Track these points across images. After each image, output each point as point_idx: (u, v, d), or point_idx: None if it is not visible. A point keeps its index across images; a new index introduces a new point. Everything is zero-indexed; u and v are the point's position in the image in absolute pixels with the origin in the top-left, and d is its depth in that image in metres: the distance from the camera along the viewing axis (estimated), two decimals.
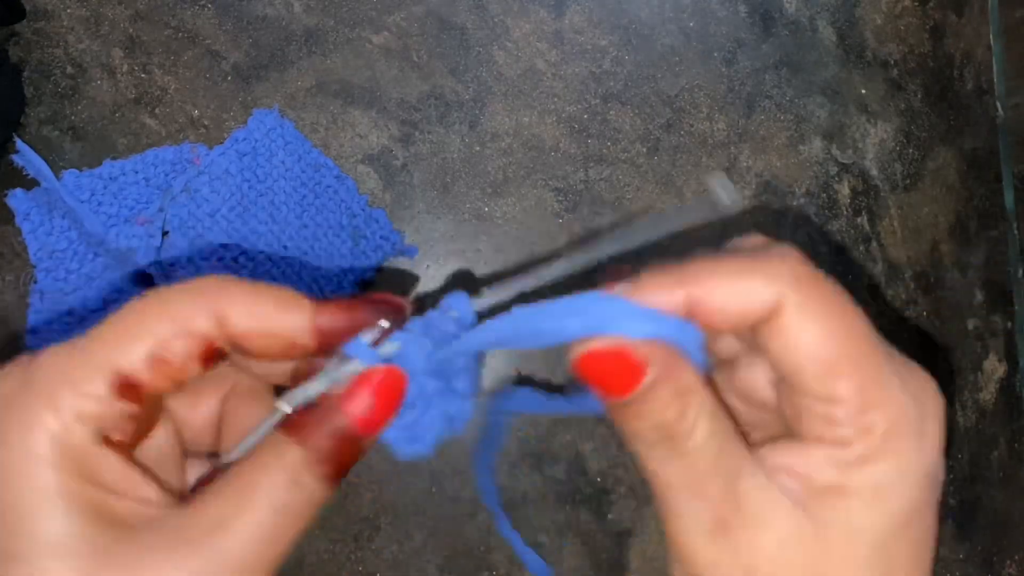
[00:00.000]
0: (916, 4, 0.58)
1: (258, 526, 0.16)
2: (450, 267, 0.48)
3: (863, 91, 0.56)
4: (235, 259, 0.44)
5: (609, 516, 0.48)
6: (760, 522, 0.17)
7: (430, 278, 0.48)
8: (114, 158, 0.44)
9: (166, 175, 0.44)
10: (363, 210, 0.47)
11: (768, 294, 0.17)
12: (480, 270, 0.48)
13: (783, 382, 0.18)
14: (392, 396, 0.18)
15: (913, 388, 0.17)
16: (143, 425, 0.18)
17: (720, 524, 0.17)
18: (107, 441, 0.17)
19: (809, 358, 0.17)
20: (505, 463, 0.47)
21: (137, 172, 0.44)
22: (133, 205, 0.43)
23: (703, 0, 0.54)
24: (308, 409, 0.18)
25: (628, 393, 0.17)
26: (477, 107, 0.50)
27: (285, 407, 0.18)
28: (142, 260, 0.41)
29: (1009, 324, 0.58)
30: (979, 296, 0.57)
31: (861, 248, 0.54)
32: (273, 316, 0.17)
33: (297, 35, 0.48)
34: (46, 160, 0.43)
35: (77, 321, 0.42)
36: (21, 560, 0.15)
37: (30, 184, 0.42)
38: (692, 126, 0.53)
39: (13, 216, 0.42)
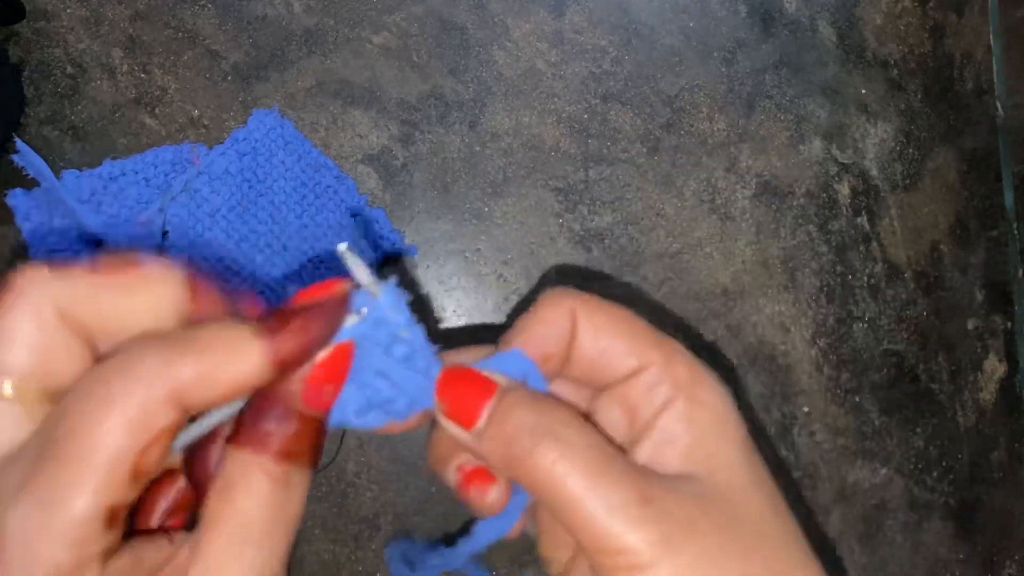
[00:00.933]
0: (916, 4, 0.58)
1: (259, 548, 0.16)
2: (450, 267, 0.48)
3: (863, 91, 0.56)
4: (234, 260, 0.44)
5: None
6: (670, 486, 0.17)
7: (430, 278, 0.48)
8: (114, 158, 0.44)
9: (166, 175, 0.44)
10: (363, 210, 0.47)
11: (563, 314, 0.19)
12: (480, 270, 0.48)
13: (617, 394, 0.19)
14: (341, 367, 0.17)
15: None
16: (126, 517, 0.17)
17: (643, 499, 0.17)
18: (105, 557, 0.15)
19: (615, 343, 0.19)
20: None
21: (137, 172, 0.44)
22: (133, 205, 0.43)
23: (703, 0, 0.54)
24: (256, 415, 0.17)
25: (486, 400, 0.18)
26: (477, 107, 0.50)
27: (181, 444, 0.17)
28: None
29: (1009, 324, 0.58)
30: (979, 296, 0.57)
31: (861, 248, 0.54)
32: (227, 376, 0.16)
33: (297, 35, 0.48)
34: (46, 160, 0.43)
35: None
36: None
37: (30, 184, 0.42)
38: (692, 126, 0.53)
39: (13, 216, 0.42)
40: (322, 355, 0.17)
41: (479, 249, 0.49)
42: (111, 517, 0.15)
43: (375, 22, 0.49)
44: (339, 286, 0.18)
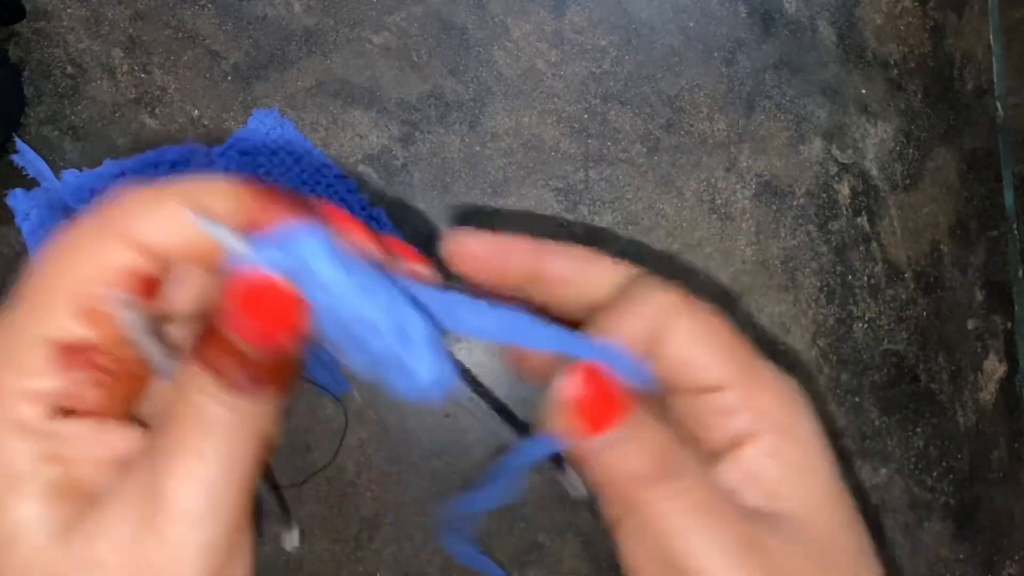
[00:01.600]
0: (916, 4, 0.58)
1: (215, 478, 0.15)
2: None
3: (863, 91, 0.56)
4: None
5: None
6: (771, 528, 0.17)
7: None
8: (114, 158, 0.44)
9: (166, 175, 0.44)
10: (363, 210, 0.47)
11: (615, 278, 0.18)
12: None
13: (681, 401, 0.18)
14: (271, 309, 0.15)
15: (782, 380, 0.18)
16: (123, 383, 0.16)
17: (750, 545, 0.16)
18: (68, 412, 0.15)
19: (702, 353, 0.17)
20: None
21: (137, 172, 0.44)
22: None
23: (703, 0, 0.54)
24: (204, 335, 0.15)
25: (623, 415, 0.17)
26: (477, 107, 0.50)
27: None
28: None
29: (1009, 324, 0.58)
30: (979, 296, 0.57)
31: (861, 248, 0.54)
32: (185, 224, 0.15)
33: (297, 35, 0.48)
34: (46, 160, 0.43)
35: None
36: None
37: (30, 184, 0.42)
38: (692, 126, 0.53)
39: (13, 216, 0.42)
40: (243, 288, 0.15)
41: None
42: (66, 354, 0.15)
43: (375, 22, 0.49)
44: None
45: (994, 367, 0.57)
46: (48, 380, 0.15)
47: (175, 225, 0.15)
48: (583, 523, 0.47)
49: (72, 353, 0.15)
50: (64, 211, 0.42)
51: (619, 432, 0.16)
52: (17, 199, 0.42)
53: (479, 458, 0.47)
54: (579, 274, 0.18)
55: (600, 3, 0.52)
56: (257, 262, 0.15)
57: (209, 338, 0.15)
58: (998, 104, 0.60)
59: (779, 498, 0.17)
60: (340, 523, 0.44)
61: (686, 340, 0.18)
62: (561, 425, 0.17)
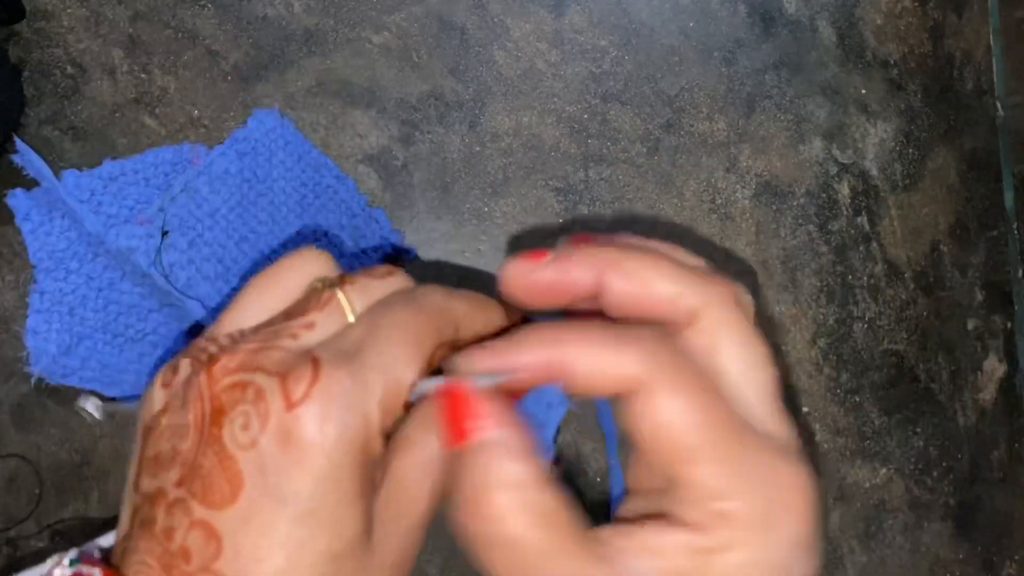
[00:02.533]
0: (916, 4, 0.58)
1: (419, 481, 0.20)
2: (450, 267, 0.48)
3: (863, 91, 0.56)
4: (234, 260, 0.44)
5: (610, 516, 0.48)
6: None
7: (430, 278, 0.48)
8: (114, 158, 0.44)
9: (166, 175, 0.44)
10: (363, 210, 0.47)
11: (632, 370, 0.17)
12: (480, 270, 0.48)
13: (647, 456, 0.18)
14: (458, 421, 0.19)
15: (777, 479, 0.17)
16: None
17: None
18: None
19: (670, 440, 0.17)
20: None
21: (137, 172, 0.44)
22: (133, 205, 0.43)
23: (703, 0, 0.54)
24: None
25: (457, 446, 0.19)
26: (477, 107, 0.50)
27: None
28: (142, 260, 0.41)
29: (1009, 324, 0.58)
30: (979, 296, 0.57)
31: (861, 248, 0.54)
32: (484, 322, 0.21)
33: (297, 35, 0.48)
34: (46, 160, 0.43)
35: (77, 321, 0.42)
36: (331, 556, 0.18)
37: (30, 184, 0.42)
38: (692, 126, 0.53)
39: (13, 216, 0.42)
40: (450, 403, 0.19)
41: (479, 249, 0.49)
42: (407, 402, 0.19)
43: (375, 22, 0.49)
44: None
45: (994, 367, 0.57)
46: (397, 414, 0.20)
47: (475, 321, 0.22)
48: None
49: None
50: (64, 211, 0.42)
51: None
52: (17, 199, 0.42)
53: None
54: (594, 372, 0.18)
55: (600, 3, 0.52)
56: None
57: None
58: (998, 104, 0.60)
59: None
60: None
61: (662, 402, 0.18)
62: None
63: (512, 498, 0.17)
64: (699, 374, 0.18)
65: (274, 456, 0.17)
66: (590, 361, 0.18)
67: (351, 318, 0.20)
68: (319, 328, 0.20)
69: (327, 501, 0.18)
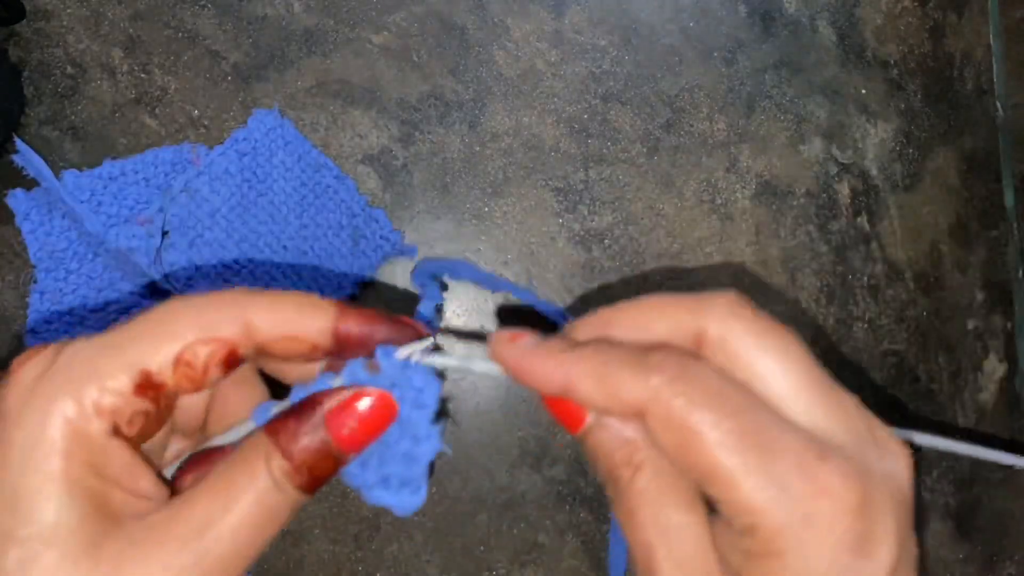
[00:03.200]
0: (916, 4, 0.58)
1: (241, 528, 0.17)
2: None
3: (863, 91, 0.56)
4: (235, 259, 0.44)
5: (609, 516, 0.48)
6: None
7: None
8: (114, 158, 0.44)
9: (166, 175, 0.44)
10: (363, 210, 0.47)
11: (638, 393, 0.17)
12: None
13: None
14: (379, 422, 0.18)
15: (814, 484, 0.16)
16: (154, 422, 0.18)
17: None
18: (118, 433, 0.17)
19: (691, 460, 0.16)
20: (505, 463, 0.47)
21: (137, 172, 0.44)
22: (133, 205, 0.43)
23: (703, 0, 0.54)
24: (296, 411, 0.18)
25: (577, 430, 0.18)
26: (477, 107, 0.50)
27: (257, 419, 0.18)
28: (142, 260, 0.41)
29: (1009, 324, 0.58)
30: (979, 296, 0.57)
31: (861, 248, 0.54)
32: (295, 322, 0.18)
33: (297, 35, 0.48)
34: (46, 160, 0.43)
35: (77, 321, 0.42)
36: (15, 541, 0.15)
37: (30, 184, 0.42)
38: (692, 126, 0.53)
39: (13, 216, 0.42)
40: (362, 391, 0.18)
41: (479, 249, 0.49)
42: (144, 384, 0.17)
43: (375, 22, 0.49)
44: (419, 326, 0.19)
45: (994, 367, 0.57)
46: (121, 401, 0.17)
47: (281, 324, 0.18)
48: (583, 523, 0.47)
49: (150, 386, 0.17)
50: (64, 211, 0.42)
51: (579, 434, 0.18)
52: (17, 199, 0.42)
53: (479, 458, 0.47)
54: (600, 398, 0.18)
55: (600, 3, 0.52)
56: (377, 382, 0.18)
57: (292, 427, 0.18)
58: (998, 104, 0.60)
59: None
60: (340, 523, 0.44)
61: (690, 415, 0.17)
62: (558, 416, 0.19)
63: None
64: (718, 387, 0.17)
65: None
66: (594, 389, 0.17)
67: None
68: None
69: (13, 477, 0.16)
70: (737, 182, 0.53)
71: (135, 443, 0.18)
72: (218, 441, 0.19)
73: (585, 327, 0.19)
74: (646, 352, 0.17)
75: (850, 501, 0.16)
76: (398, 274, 0.47)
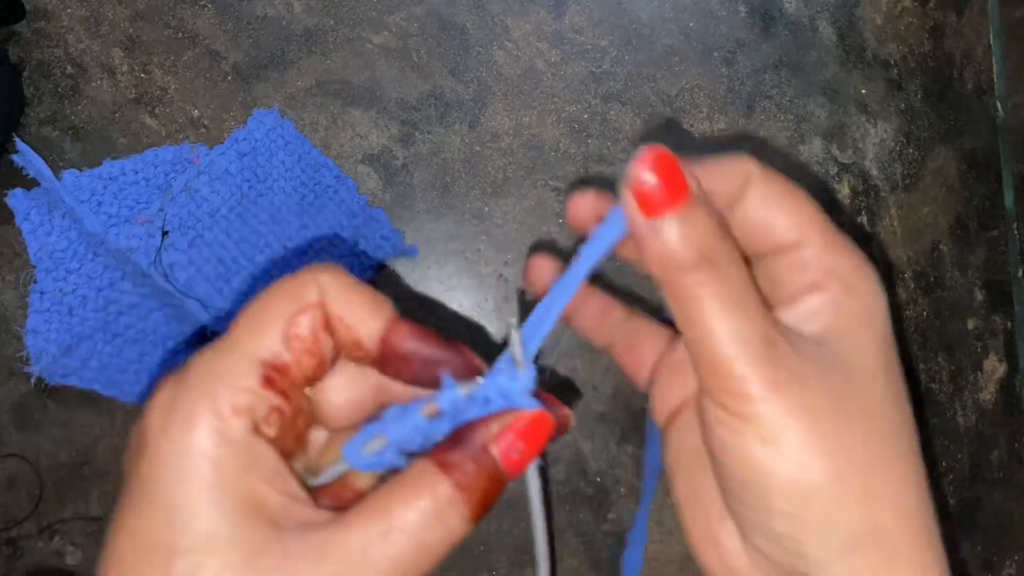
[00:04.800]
0: (916, 4, 0.58)
1: (399, 559, 0.16)
2: (450, 267, 0.48)
3: (863, 91, 0.56)
4: (235, 259, 0.44)
5: (609, 516, 0.48)
6: (797, 343, 0.18)
7: (430, 278, 0.48)
8: (114, 158, 0.44)
9: (166, 175, 0.44)
10: (363, 210, 0.47)
11: (741, 173, 0.19)
12: (480, 270, 0.48)
13: (760, 262, 0.20)
14: (539, 439, 0.18)
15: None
16: (289, 426, 0.18)
17: (767, 341, 0.17)
18: (259, 432, 0.17)
19: (781, 216, 0.19)
20: None
21: (137, 172, 0.44)
22: (133, 205, 0.43)
23: (703, 0, 0.54)
24: (453, 444, 0.18)
25: (679, 204, 0.17)
26: (477, 107, 0.50)
27: (347, 456, 0.18)
28: (142, 260, 0.41)
29: (1009, 324, 0.58)
30: (979, 296, 0.57)
31: (861, 248, 0.54)
32: (358, 308, 0.18)
33: (297, 35, 0.48)
34: (46, 160, 0.43)
35: (77, 321, 0.42)
36: (178, 554, 0.15)
37: (30, 184, 0.42)
38: (692, 126, 0.53)
39: (13, 216, 0.42)
40: (524, 413, 0.18)
41: (479, 249, 0.49)
42: (269, 375, 0.17)
43: (375, 22, 0.49)
44: (473, 357, 0.19)
45: (994, 367, 0.57)
46: (254, 397, 0.17)
47: (348, 305, 0.18)
48: (583, 523, 0.47)
49: (275, 374, 0.18)
50: (64, 211, 0.42)
51: (673, 218, 0.17)
52: (17, 199, 0.42)
53: None
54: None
55: (600, 3, 0.52)
56: (530, 402, 0.18)
57: (457, 454, 0.17)
58: (998, 104, 0.60)
59: (826, 338, 0.19)
60: None
61: (765, 202, 0.19)
62: (628, 205, 0.18)
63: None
64: (787, 179, 0.20)
65: (130, 461, 0.17)
66: (709, 178, 0.19)
67: None
68: None
69: (168, 492, 0.16)
70: None
71: (278, 448, 0.18)
72: (313, 482, 0.19)
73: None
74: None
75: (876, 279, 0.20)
76: (398, 274, 0.47)
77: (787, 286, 0.19)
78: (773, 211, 0.19)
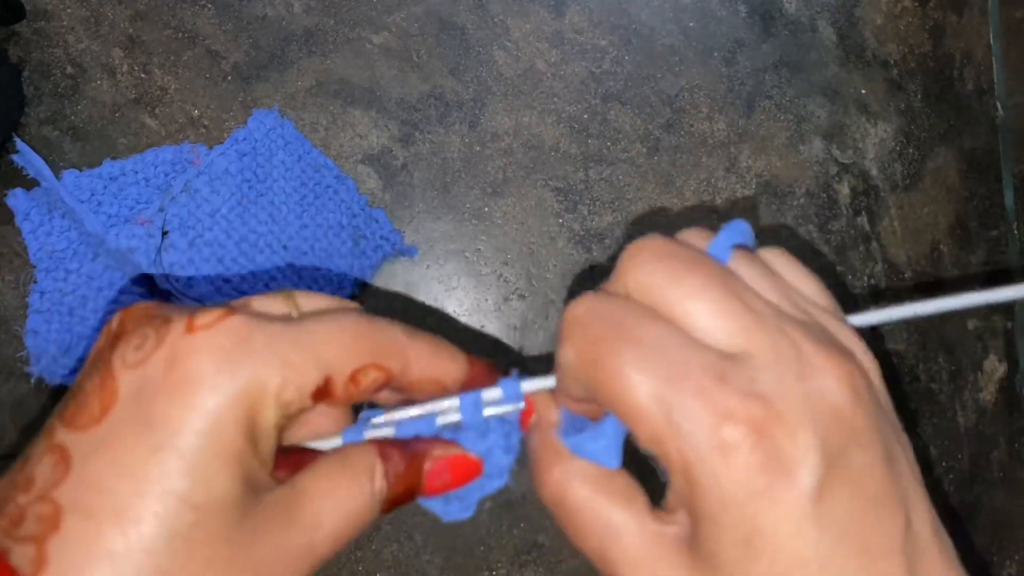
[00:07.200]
0: (916, 4, 0.58)
1: (340, 527, 0.18)
2: (450, 267, 0.48)
3: (863, 91, 0.56)
4: (235, 259, 0.44)
5: None
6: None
7: (430, 278, 0.48)
8: (114, 158, 0.44)
9: (166, 175, 0.44)
10: (363, 210, 0.47)
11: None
12: (480, 270, 0.48)
13: None
14: (464, 481, 0.21)
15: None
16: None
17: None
18: (277, 427, 0.18)
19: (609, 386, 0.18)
20: None
21: (137, 172, 0.44)
22: (133, 205, 0.43)
23: (703, 0, 0.54)
24: (403, 444, 0.20)
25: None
26: (477, 107, 0.50)
27: (346, 438, 0.20)
28: (142, 260, 0.41)
29: (1009, 324, 0.58)
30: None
31: (861, 248, 0.54)
32: (441, 367, 0.20)
33: (297, 35, 0.48)
34: (46, 160, 0.43)
35: (77, 321, 0.42)
36: (190, 506, 0.16)
37: (30, 184, 0.42)
38: (692, 126, 0.53)
39: (13, 216, 0.42)
40: (466, 456, 0.21)
41: (479, 249, 0.49)
42: (322, 388, 0.18)
43: (375, 22, 0.49)
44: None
45: (994, 367, 0.57)
46: (298, 400, 0.18)
47: (432, 370, 0.20)
48: None
49: (323, 391, 0.19)
50: (64, 211, 0.42)
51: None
52: (17, 199, 0.42)
53: None
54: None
55: (600, 3, 0.52)
56: (474, 448, 0.21)
57: (397, 457, 0.20)
58: (998, 104, 0.60)
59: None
60: None
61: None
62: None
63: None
64: (620, 317, 0.18)
65: (156, 379, 0.16)
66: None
67: (294, 313, 0.20)
68: (257, 305, 0.20)
69: (196, 442, 0.16)
70: (737, 182, 0.53)
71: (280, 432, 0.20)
72: (311, 444, 0.20)
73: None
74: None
75: (751, 421, 0.15)
76: (398, 274, 0.47)
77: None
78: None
